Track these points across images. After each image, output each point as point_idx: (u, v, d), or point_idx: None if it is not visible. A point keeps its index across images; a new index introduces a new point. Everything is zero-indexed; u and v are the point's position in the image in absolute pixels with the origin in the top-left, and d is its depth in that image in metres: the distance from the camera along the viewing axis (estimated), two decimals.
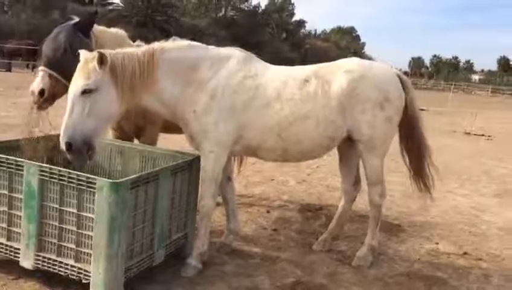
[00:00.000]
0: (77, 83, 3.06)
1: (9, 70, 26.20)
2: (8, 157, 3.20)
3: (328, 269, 3.96)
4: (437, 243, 4.84)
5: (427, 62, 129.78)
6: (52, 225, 3.07)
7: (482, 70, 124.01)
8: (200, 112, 3.48)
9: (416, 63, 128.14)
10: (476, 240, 5.03)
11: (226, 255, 4.01)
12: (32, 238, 3.10)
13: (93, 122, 3.09)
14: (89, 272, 2.96)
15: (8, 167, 3.18)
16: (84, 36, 3.74)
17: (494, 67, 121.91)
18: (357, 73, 3.71)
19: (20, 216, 3.16)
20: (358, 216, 5.22)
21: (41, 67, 3.63)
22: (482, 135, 14.89)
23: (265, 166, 7.38)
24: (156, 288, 3.36)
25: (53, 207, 3.05)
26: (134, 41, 4.36)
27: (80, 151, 3.06)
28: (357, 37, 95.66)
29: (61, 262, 3.06)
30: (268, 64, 3.88)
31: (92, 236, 2.94)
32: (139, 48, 3.42)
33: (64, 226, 3.04)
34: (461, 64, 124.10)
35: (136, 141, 4.35)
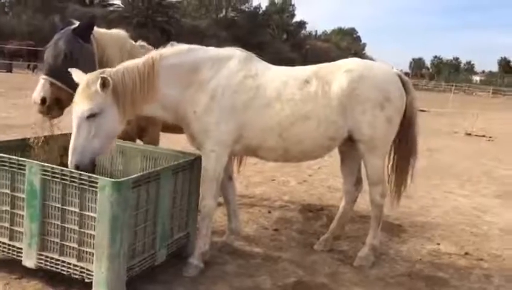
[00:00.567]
0: (81, 107, 3.10)
1: (10, 71, 26.24)
2: (10, 156, 3.21)
3: (329, 269, 3.96)
4: (438, 244, 4.84)
5: (427, 63, 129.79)
6: (55, 224, 3.07)
7: (483, 72, 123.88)
8: (201, 112, 3.49)
9: (417, 64, 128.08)
10: (477, 241, 5.03)
11: (228, 255, 4.02)
12: (35, 238, 3.11)
13: (100, 143, 3.15)
14: (92, 271, 2.97)
15: (11, 167, 3.18)
16: (84, 41, 3.74)
17: (494, 68, 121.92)
18: (357, 73, 3.72)
19: (23, 215, 3.17)
20: (360, 217, 5.23)
21: (42, 76, 3.63)
22: (483, 136, 14.89)
23: (266, 166, 7.39)
24: (158, 287, 3.36)
25: (55, 206, 3.05)
26: (135, 42, 4.36)
27: (87, 169, 3.10)
28: (358, 38, 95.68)
29: (63, 261, 3.06)
30: (268, 65, 3.89)
31: (94, 235, 2.95)
32: (139, 59, 3.42)
33: (66, 225, 3.04)
34: (462, 65, 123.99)
35: (138, 141, 4.36)
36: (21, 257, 3.20)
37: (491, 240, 5.09)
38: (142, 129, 4.27)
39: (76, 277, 3.04)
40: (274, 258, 4.06)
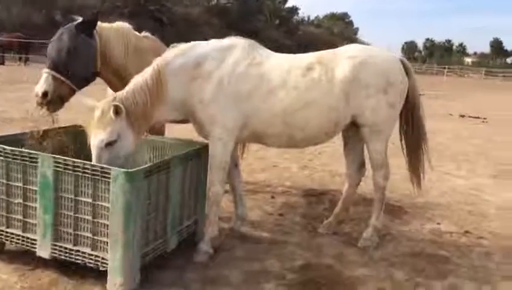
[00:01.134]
0: (99, 137, 3.18)
1: (2, 63, 26.01)
2: (21, 150, 3.26)
3: (335, 250, 4.07)
4: (439, 223, 4.96)
5: (420, 46, 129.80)
6: (68, 214, 3.14)
7: (475, 53, 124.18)
8: (208, 100, 3.55)
9: (410, 47, 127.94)
10: (476, 220, 5.16)
11: (236, 240, 4.11)
12: (49, 228, 3.18)
13: (119, 162, 3.23)
14: (106, 260, 3.05)
15: (22, 160, 3.24)
16: (88, 36, 3.78)
17: (486, 49, 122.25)
18: (360, 59, 3.78)
19: (35, 208, 3.23)
20: (362, 199, 5.32)
21: (45, 70, 3.66)
22: (477, 118, 15.03)
23: (268, 153, 7.47)
24: (170, 273, 3.45)
25: (68, 197, 3.12)
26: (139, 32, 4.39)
27: None
28: (350, 23, 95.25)
29: (78, 251, 3.14)
30: (271, 52, 3.94)
31: (107, 225, 3.02)
32: (146, 71, 3.47)
33: (80, 215, 3.12)
34: (454, 47, 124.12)
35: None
36: (35, 248, 3.27)
37: (490, 219, 5.22)
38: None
39: (91, 265, 3.12)
40: (281, 242, 4.16)
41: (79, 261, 3.15)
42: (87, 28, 3.78)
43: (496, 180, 7.03)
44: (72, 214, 3.13)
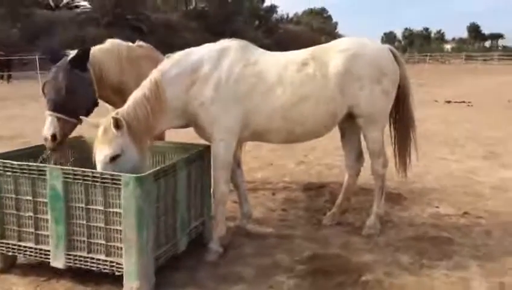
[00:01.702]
0: (103, 152, 3.24)
1: None
2: (29, 163, 3.30)
3: (340, 240, 4.16)
4: (437, 207, 5.09)
5: (399, 36, 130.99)
6: (80, 223, 3.19)
7: (453, 39, 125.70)
8: (208, 103, 3.62)
9: (389, 38, 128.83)
10: (472, 200, 5.29)
11: (243, 237, 4.19)
12: (62, 239, 3.22)
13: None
14: (121, 265, 3.10)
15: (30, 173, 3.27)
16: (82, 70, 3.79)
17: (464, 34, 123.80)
18: (352, 52, 3.88)
19: (47, 219, 3.27)
20: (361, 189, 5.43)
21: (48, 112, 3.68)
22: (462, 102, 15.30)
23: (262, 152, 7.58)
24: (183, 274, 3.51)
25: (79, 207, 3.16)
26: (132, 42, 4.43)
27: None
28: (329, 18, 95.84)
29: (92, 258, 3.19)
30: (265, 51, 4.03)
31: (120, 230, 3.07)
32: (144, 85, 3.52)
33: (92, 223, 3.16)
34: (432, 34, 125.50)
35: None
36: (49, 258, 3.31)
37: (486, 199, 5.36)
38: None
39: (106, 271, 3.17)
40: (287, 236, 4.24)
41: (94, 268, 3.20)
42: (81, 62, 3.78)
43: (487, 162, 7.20)
44: (84, 222, 3.17)
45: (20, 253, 3.43)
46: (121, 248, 3.09)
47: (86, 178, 3.10)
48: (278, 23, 63.03)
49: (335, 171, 6.42)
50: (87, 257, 3.20)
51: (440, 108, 14.01)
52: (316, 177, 6.30)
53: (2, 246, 3.46)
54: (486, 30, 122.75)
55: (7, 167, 3.33)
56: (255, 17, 58.97)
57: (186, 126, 3.88)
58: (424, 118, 11.39)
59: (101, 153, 3.26)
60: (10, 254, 3.47)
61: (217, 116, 3.63)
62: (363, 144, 4.33)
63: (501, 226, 4.50)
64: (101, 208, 3.11)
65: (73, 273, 3.37)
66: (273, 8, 64.13)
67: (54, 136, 3.67)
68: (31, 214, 3.33)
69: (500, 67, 44.20)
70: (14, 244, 3.42)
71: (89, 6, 46.99)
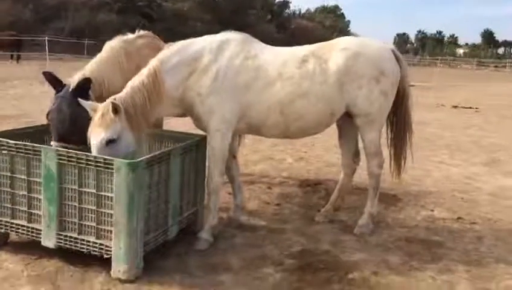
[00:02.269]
0: (99, 136, 3.25)
1: None
2: (25, 143, 3.34)
3: (331, 237, 4.18)
4: (432, 210, 5.08)
5: (412, 38, 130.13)
6: (72, 205, 3.23)
7: (467, 44, 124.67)
8: (205, 93, 3.64)
9: (401, 39, 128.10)
10: (468, 206, 5.29)
11: (235, 229, 4.22)
12: (54, 219, 3.27)
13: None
14: (110, 248, 3.15)
15: (26, 153, 3.32)
16: (85, 98, 3.70)
17: (478, 40, 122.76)
18: (352, 50, 3.88)
19: (40, 199, 3.31)
20: (356, 189, 5.44)
21: (55, 143, 3.68)
22: (469, 108, 15.21)
23: (263, 146, 7.58)
24: (172, 261, 3.55)
25: (72, 189, 3.21)
26: (117, 30, 4.42)
27: None
28: (342, 16, 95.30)
29: (82, 239, 3.24)
30: (266, 45, 4.03)
31: (111, 214, 3.11)
32: (143, 73, 3.54)
33: (84, 206, 3.21)
34: (446, 38, 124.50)
35: None
36: (40, 238, 3.36)
37: (482, 205, 5.35)
38: None
39: (96, 253, 3.21)
40: (279, 230, 4.27)
41: (84, 250, 3.24)
42: (82, 91, 3.77)
43: (488, 168, 7.17)
44: (76, 204, 3.22)
45: (12, 230, 3.49)
46: (111, 231, 3.13)
47: (79, 161, 3.14)
48: (290, 18, 62.79)
49: (333, 169, 6.42)
50: (78, 238, 3.25)
51: (446, 112, 13.94)
52: (314, 174, 6.32)
53: None
54: (500, 37, 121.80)
55: (3, 145, 3.38)
56: (267, 12, 58.73)
57: (183, 115, 3.90)
58: (429, 122, 11.38)
59: (97, 137, 3.28)
60: (3, 231, 3.53)
61: (213, 107, 3.65)
62: (360, 144, 4.33)
63: (494, 233, 4.50)
64: (93, 191, 3.15)
65: (63, 253, 3.41)
66: (285, 3, 63.88)
67: None
68: (24, 193, 3.38)
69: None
70: (7, 222, 3.48)
71: None
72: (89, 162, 3.12)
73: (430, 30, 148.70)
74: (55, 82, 3.86)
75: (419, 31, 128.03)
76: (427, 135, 9.69)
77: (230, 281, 3.32)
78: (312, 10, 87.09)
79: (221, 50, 3.74)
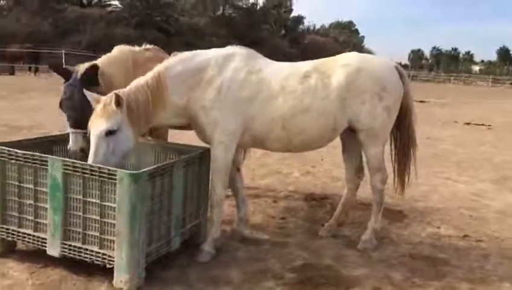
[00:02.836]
0: (100, 126, 3.32)
1: (12, 73, 26.50)
2: (33, 153, 3.42)
3: (334, 252, 4.18)
4: (438, 227, 5.05)
5: (427, 54, 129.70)
6: (77, 215, 3.29)
7: (482, 61, 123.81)
8: (209, 106, 3.70)
9: (416, 55, 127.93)
10: (475, 223, 5.24)
11: (238, 242, 4.24)
12: (58, 228, 3.33)
13: (117, 158, 3.39)
14: (113, 258, 3.19)
15: (33, 163, 3.40)
16: (94, 84, 3.88)
17: (494, 57, 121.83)
18: (355, 66, 3.92)
19: (46, 208, 3.39)
20: (360, 204, 5.43)
21: (70, 129, 3.83)
22: (482, 125, 15.08)
23: (270, 160, 7.61)
24: (174, 272, 3.59)
25: (77, 198, 3.27)
26: (134, 44, 4.55)
27: None
28: (356, 31, 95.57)
29: (86, 249, 3.29)
30: (269, 60, 4.10)
31: (114, 224, 3.16)
32: (148, 75, 3.63)
33: (88, 216, 3.27)
34: (461, 55, 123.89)
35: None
36: (45, 246, 3.42)
37: (489, 223, 5.29)
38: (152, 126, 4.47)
39: (99, 263, 3.26)
40: (282, 244, 4.28)
41: (87, 259, 3.29)
42: (91, 77, 3.89)
43: (497, 186, 7.10)
44: (80, 214, 3.28)
45: (19, 239, 3.56)
46: (114, 241, 3.18)
47: (84, 171, 3.21)
48: (304, 33, 63.15)
49: (339, 184, 6.41)
50: (82, 248, 3.30)
51: (458, 129, 13.84)
52: (320, 189, 6.32)
53: (3, 231, 3.60)
54: None
55: (12, 155, 3.47)
56: (282, 27, 59.23)
57: (187, 127, 3.96)
58: (440, 138, 11.34)
59: (97, 127, 3.33)
60: (10, 239, 3.60)
61: (217, 120, 3.71)
62: (364, 158, 4.35)
63: (500, 251, 4.45)
64: (97, 201, 3.21)
65: (67, 262, 3.46)
66: (299, 19, 64.34)
67: (82, 150, 3.82)
68: (31, 202, 3.45)
69: None
70: (14, 230, 3.55)
71: (119, 5, 47.94)
72: (93, 173, 3.18)
73: (446, 47, 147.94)
74: (63, 72, 3.96)
75: (434, 47, 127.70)
76: (438, 151, 9.64)
77: None
78: (326, 26, 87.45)
79: (226, 64, 3.81)
